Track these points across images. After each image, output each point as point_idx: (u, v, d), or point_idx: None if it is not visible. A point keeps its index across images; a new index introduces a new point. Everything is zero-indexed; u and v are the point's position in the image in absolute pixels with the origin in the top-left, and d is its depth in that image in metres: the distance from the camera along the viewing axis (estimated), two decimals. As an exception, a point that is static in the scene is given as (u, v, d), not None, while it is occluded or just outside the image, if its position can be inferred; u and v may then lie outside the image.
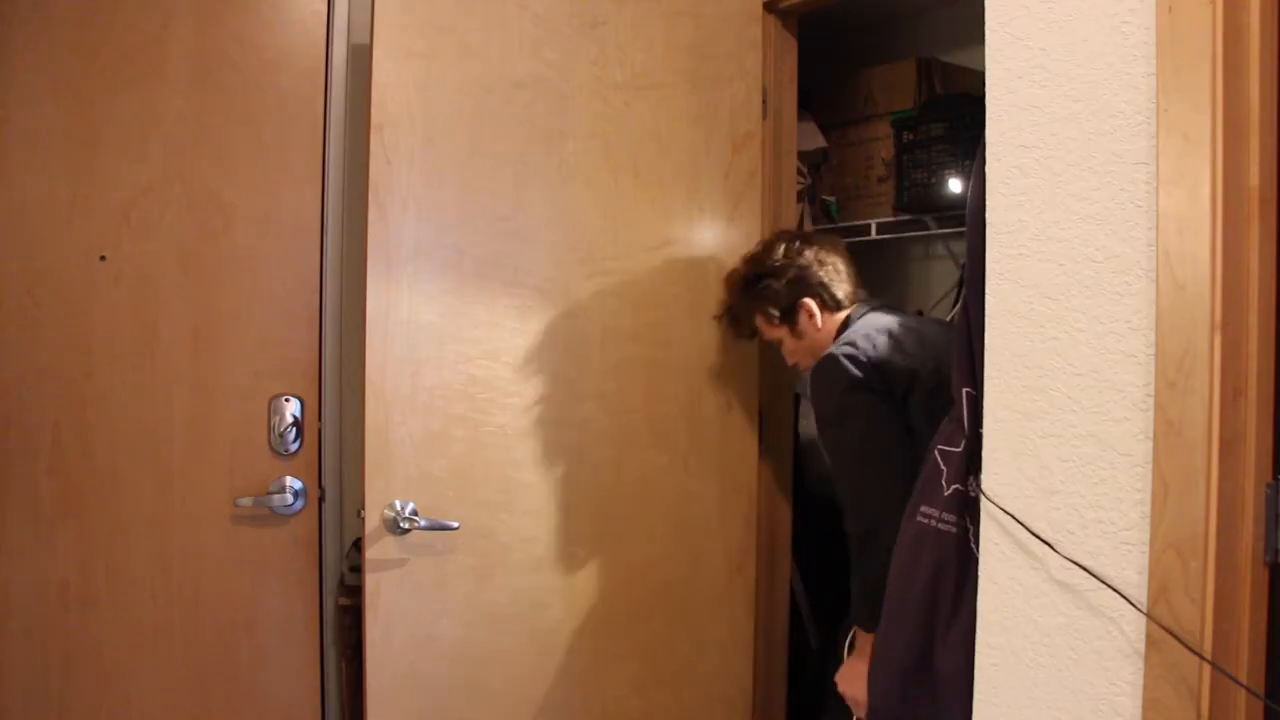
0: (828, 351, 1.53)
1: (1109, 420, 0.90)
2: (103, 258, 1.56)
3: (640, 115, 1.77)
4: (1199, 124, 0.81)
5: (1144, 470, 0.85)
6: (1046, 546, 0.95)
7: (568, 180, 1.71)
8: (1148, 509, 0.84)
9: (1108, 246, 0.91)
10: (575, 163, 1.71)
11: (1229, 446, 0.79)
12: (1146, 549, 0.84)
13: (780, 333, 1.65)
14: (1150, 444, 0.84)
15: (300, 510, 1.67)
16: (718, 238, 1.88)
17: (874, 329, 1.55)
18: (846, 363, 1.48)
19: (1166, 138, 0.83)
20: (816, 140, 2.31)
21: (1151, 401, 0.84)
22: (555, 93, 1.68)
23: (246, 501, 1.62)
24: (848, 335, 1.56)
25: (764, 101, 1.92)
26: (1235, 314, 0.80)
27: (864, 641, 1.47)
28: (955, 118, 1.98)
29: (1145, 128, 0.87)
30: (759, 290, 1.65)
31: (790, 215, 2.03)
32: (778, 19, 1.94)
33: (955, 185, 1.96)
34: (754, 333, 1.73)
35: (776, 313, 1.64)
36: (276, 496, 1.64)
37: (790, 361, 1.71)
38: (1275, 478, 0.82)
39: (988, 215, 1.03)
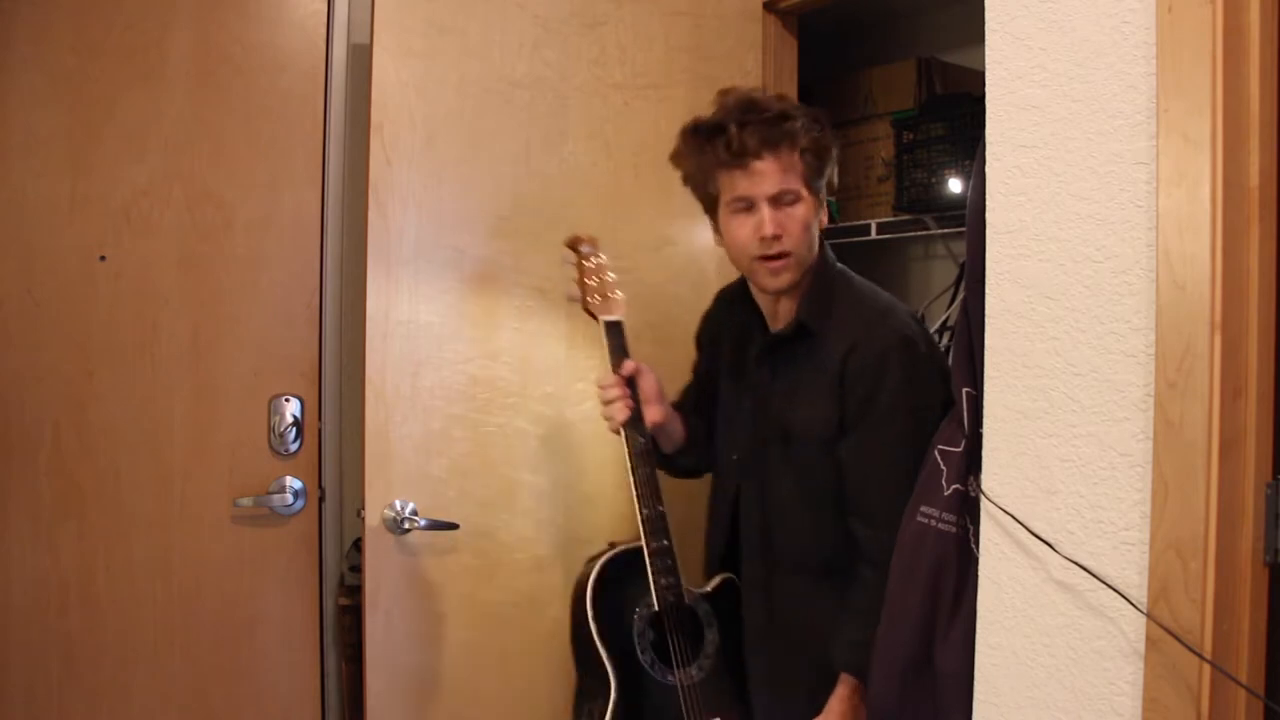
0: (913, 333, 1.27)
1: (1109, 420, 0.90)
2: (103, 258, 1.56)
3: (640, 115, 1.77)
4: (1199, 124, 0.81)
5: (1144, 470, 0.85)
6: (1046, 546, 0.95)
7: (568, 180, 1.71)
8: (1148, 509, 0.84)
9: (1108, 246, 0.91)
10: (575, 163, 1.71)
11: (1229, 446, 0.79)
12: (1147, 549, 0.84)
13: (805, 205, 1.25)
14: (1150, 444, 0.84)
15: (300, 510, 1.67)
16: (718, 238, 1.88)
17: (904, 311, 1.33)
18: (942, 356, 1.25)
19: (1166, 138, 0.83)
20: (816, 140, 2.30)
21: (1151, 401, 0.84)
22: (555, 93, 1.68)
23: (246, 501, 1.62)
24: (891, 306, 1.31)
25: (764, 101, 1.92)
26: (1235, 314, 0.80)
27: (851, 693, 1.19)
28: (955, 118, 1.98)
29: (1145, 128, 0.87)
30: (820, 137, 1.27)
31: (790, 215, 2.02)
32: (778, 19, 1.94)
33: (955, 185, 1.96)
34: (711, 193, 1.28)
35: (823, 178, 1.28)
36: (276, 496, 1.64)
37: (789, 249, 1.24)
38: (1275, 477, 0.82)
39: (988, 215, 1.03)
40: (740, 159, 1.22)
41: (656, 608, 1.27)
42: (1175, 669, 0.82)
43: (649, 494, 1.29)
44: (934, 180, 2.00)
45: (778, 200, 1.24)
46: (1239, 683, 0.80)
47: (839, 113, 2.30)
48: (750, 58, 1.89)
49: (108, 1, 1.56)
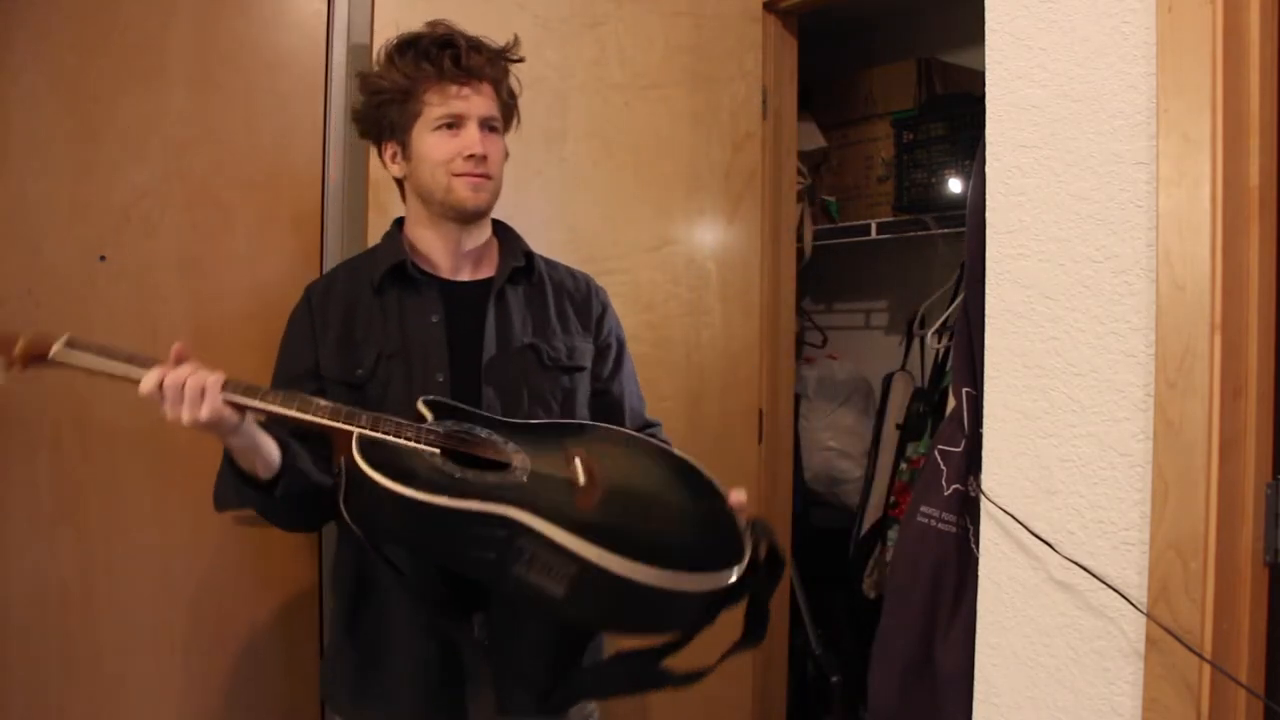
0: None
1: (1109, 420, 0.90)
2: (103, 258, 1.55)
3: (640, 115, 1.77)
4: (1199, 124, 0.81)
5: (1144, 470, 0.85)
6: (1046, 546, 0.95)
7: (568, 180, 1.71)
8: (1148, 509, 0.84)
9: (1108, 246, 0.91)
10: (575, 163, 1.71)
11: (1229, 446, 0.79)
12: (1147, 549, 0.84)
13: (503, 140, 1.28)
14: (1150, 444, 0.84)
15: (300, 510, 1.67)
16: (718, 238, 1.88)
17: None
18: None
19: (1166, 138, 0.83)
20: (816, 140, 2.31)
21: (1151, 401, 0.84)
22: (555, 93, 1.68)
23: (246, 501, 1.62)
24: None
25: (764, 101, 1.92)
26: (1235, 314, 0.80)
27: None
28: (955, 118, 1.98)
29: (1145, 128, 0.87)
30: (515, 89, 1.31)
31: (790, 215, 2.03)
32: (777, 19, 1.94)
33: (955, 185, 1.96)
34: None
35: (509, 129, 1.31)
36: (276, 496, 1.64)
37: (491, 173, 1.22)
38: (1275, 477, 0.82)
39: (988, 215, 1.03)
40: (466, 75, 1.20)
41: (439, 451, 1.04)
42: (1175, 669, 0.82)
43: (299, 401, 1.03)
44: (934, 180, 2.00)
45: (485, 125, 1.22)
46: (1239, 683, 0.80)
47: (839, 113, 2.31)
48: (750, 58, 1.89)
49: (108, 1, 1.56)
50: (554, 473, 1.07)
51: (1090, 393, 0.92)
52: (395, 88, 1.22)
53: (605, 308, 1.36)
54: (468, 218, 1.23)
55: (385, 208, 1.54)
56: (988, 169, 1.03)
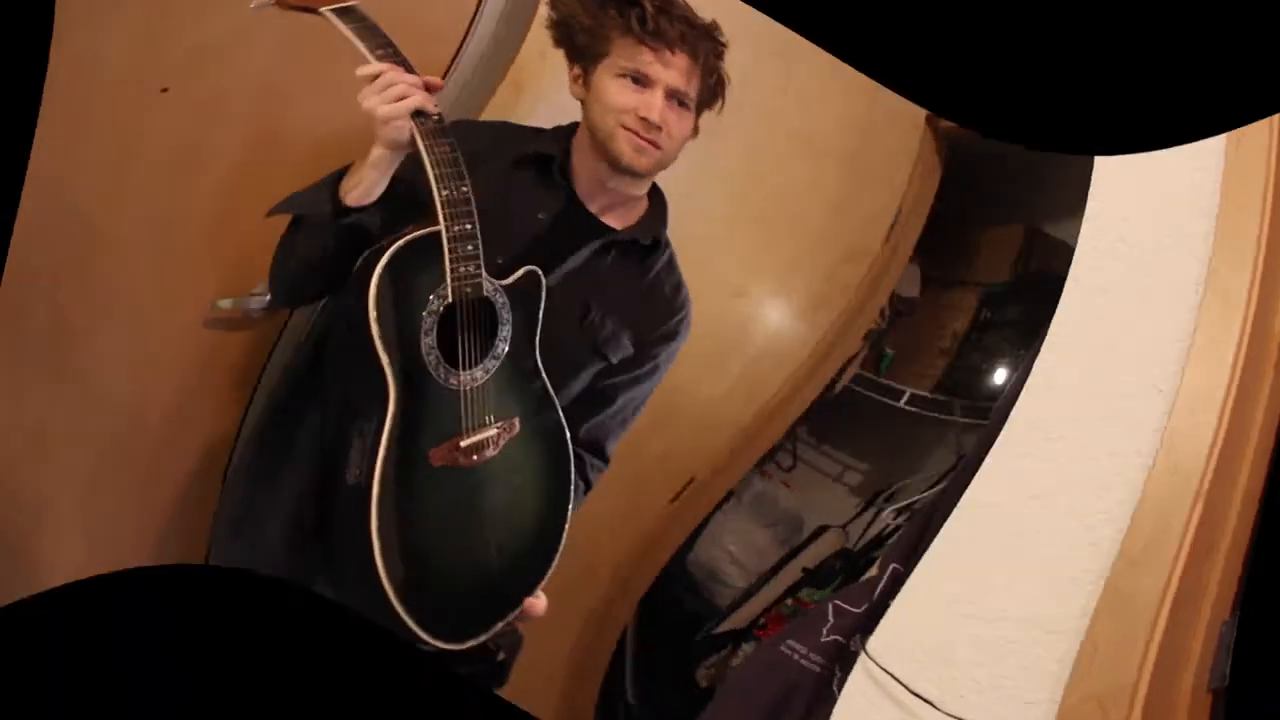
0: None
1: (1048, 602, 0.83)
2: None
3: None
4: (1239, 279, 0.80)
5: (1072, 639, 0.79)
6: (927, 704, 0.87)
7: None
8: (1066, 674, 0.77)
9: (1114, 443, 0.87)
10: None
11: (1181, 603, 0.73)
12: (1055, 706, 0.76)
13: (690, 120, 1.19)
14: (1086, 620, 0.78)
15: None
16: (780, 320, 1.86)
17: None
18: None
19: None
20: (913, 288, 2.23)
21: (1103, 582, 0.78)
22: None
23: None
24: None
25: (893, 223, 1.91)
26: (1224, 480, 0.76)
27: None
28: (1032, 303, 1.96)
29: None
30: (722, 72, 1.24)
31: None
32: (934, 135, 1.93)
33: (1000, 377, 1.93)
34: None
35: (709, 109, 1.23)
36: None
37: (663, 144, 1.16)
38: (1231, 616, 0.75)
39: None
40: (652, 38, 1.14)
41: (450, 300, 1.04)
42: None
43: (451, 172, 1.03)
44: (985, 368, 1.96)
45: (673, 96, 1.15)
46: None
47: (940, 265, 2.25)
48: (900, 172, 1.89)
49: None
50: (465, 413, 1.06)
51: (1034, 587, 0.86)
52: (580, 25, 1.18)
53: (676, 337, 1.27)
54: (621, 171, 1.17)
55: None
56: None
